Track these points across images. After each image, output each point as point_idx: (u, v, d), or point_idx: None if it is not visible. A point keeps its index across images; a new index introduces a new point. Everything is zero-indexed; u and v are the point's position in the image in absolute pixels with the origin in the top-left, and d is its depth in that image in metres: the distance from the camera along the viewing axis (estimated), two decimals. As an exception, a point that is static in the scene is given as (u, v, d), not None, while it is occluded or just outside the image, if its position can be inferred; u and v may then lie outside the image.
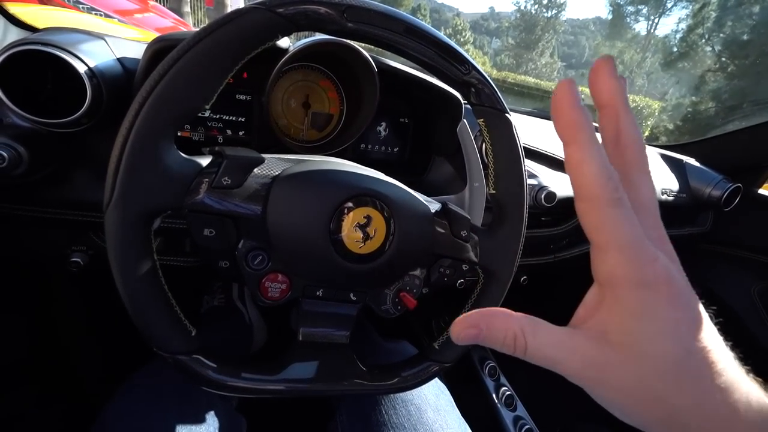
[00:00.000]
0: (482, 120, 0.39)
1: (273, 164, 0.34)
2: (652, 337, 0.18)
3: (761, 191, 0.99)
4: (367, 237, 0.34)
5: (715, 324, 0.20)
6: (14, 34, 0.54)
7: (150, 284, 0.29)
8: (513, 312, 0.21)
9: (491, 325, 0.21)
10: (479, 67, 0.37)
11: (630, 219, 0.19)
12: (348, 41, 0.53)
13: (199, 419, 0.44)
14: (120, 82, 0.45)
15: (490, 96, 0.37)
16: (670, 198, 0.88)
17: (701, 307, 0.20)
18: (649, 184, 0.21)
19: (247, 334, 0.82)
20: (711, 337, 0.19)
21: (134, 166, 0.27)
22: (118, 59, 0.46)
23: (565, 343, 0.20)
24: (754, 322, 0.94)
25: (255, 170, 0.32)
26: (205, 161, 0.31)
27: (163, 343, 0.30)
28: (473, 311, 0.21)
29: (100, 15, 1.52)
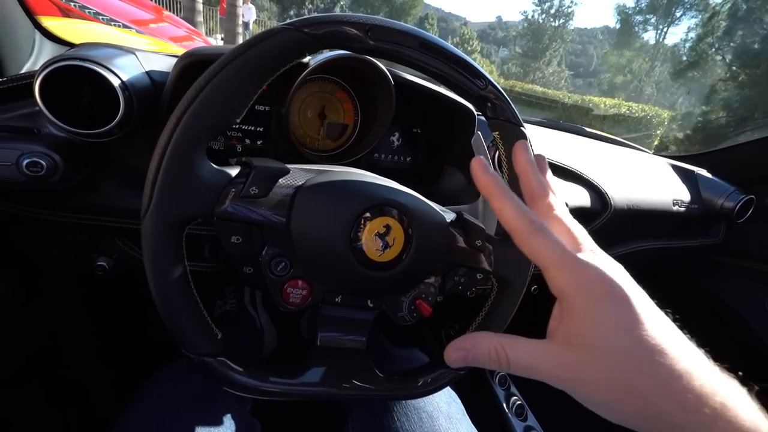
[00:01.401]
0: (497, 132, 0.40)
1: (297, 175, 0.35)
2: (602, 333, 0.21)
3: (775, 203, 0.98)
4: (386, 246, 0.35)
5: (674, 321, 0.22)
6: (48, 47, 0.57)
7: (182, 289, 0.30)
8: (493, 333, 0.25)
9: (476, 345, 0.25)
10: (495, 82, 0.38)
11: (553, 241, 0.23)
12: (366, 56, 0.55)
13: (217, 422, 0.45)
14: (149, 95, 0.47)
15: (505, 110, 0.38)
16: (682, 209, 0.88)
17: (646, 302, 0.22)
18: (566, 216, 0.27)
19: (257, 339, 0.83)
20: (661, 328, 0.21)
21: (171, 176, 0.28)
22: (147, 72, 0.48)
23: (539, 351, 0.23)
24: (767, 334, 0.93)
25: (280, 180, 0.34)
26: (234, 171, 0.32)
27: (192, 345, 0.31)
28: (461, 340, 0.26)
29: (119, 26, 1.57)
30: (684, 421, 0.19)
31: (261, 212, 0.32)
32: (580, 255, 0.23)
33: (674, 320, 0.22)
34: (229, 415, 0.47)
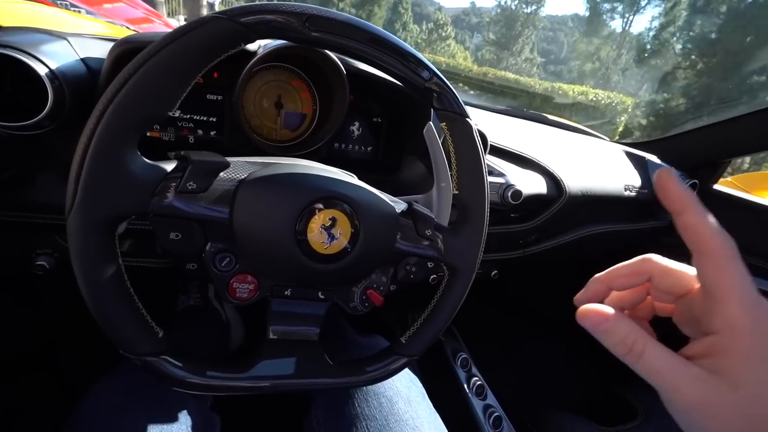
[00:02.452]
0: (444, 124, 0.41)
1: (239, 168, 0.35)
2: (764, 379, 0.20)
3: (716, 187, 1.05)
4: (332, 238, 0.35)
5: None
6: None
7: (114, 288, 0.29)
8: (636, 325, 0.23)
9: (617, 322, 0.23)
10: (440, 74, 0.38)
11: (745, 272, 0.22)
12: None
13: (171, 419, 0.44)
14: (84, 83, 0.44)
15: (451, 101, 0.39)
16: (633, 194, 0.93)
17: None
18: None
19: (224, 333, 0.82)
20: None
21: (96, 171, 0.27)
22: (82, 59, 0.45)
23: (677, 364, 0.22)
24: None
25: (221, 174, 0.33)
26: (170, 166, 0.31)
27: (129, 345, 0.30)
28: (610, 313, 0.23)
29: (64, 6, 1.46)
30: None
31: (201, 207, 0.32)
32: (757, 295, 0.22)
33: None
34: (185, 412, 0.47)
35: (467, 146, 0.41)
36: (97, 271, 0.28)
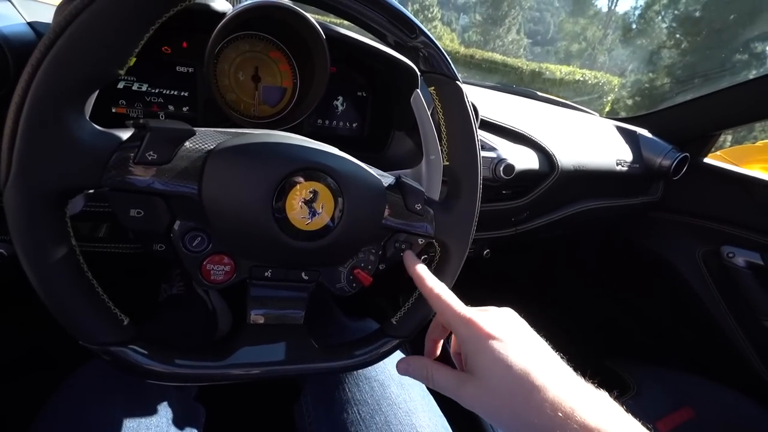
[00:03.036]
0: (433, 88, 0.38)
1: (207, 137, 0.31)
2: (485, 366, 0.29)
3: (706, 160, 1.05)
4: (313, 213, 0.32)
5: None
6: None
7: (66, 272, 0.26)
8: (427, 359, 0.35)
9: (412, 364, 0.35)
10: (428, 32, 0.35)
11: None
12: (291, 5, 0.49)
13: (149, 411, 0.42)
14: (32, 50, 0.39)
15: (439, 62, 0.36)
16: (624, 169, 0.91)
17: (517, 335, 0.30)
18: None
19: (211, 322, 0.79)
20: (526, 353, 0.28)
21: (33, 137, 0.23)
22: (29, 23, 0.41)
23: (452, 377, 0.31)
24: (698, 283, 1.01)
25: (186, 144, 0.30)
26: (125, 134, 0.28)
27: (88, 334, 0.27)
28: (408, 357, 0.36)
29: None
30: (543, 424, 0.25)
31: (164, 181, 0.28)
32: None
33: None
34: (165, 403, 0.44)
35: (458, 112, 0.38)
36: (42, 253, 0.25)
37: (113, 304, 0.29)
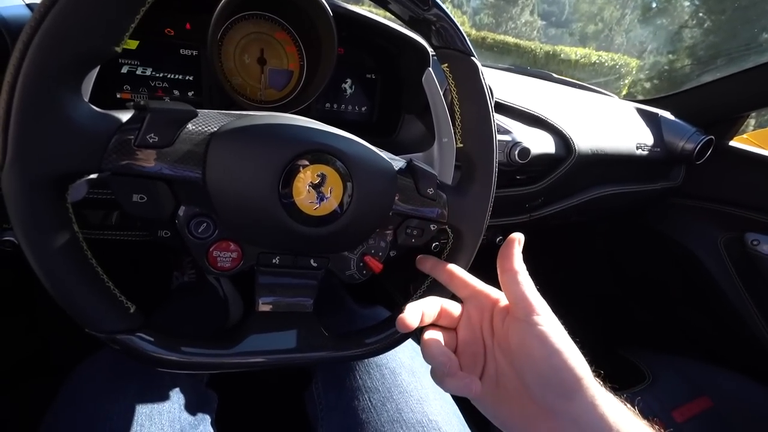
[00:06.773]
0: (446, 65, 0.35)
1: (210, 119, 0.30)
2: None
3: (732, 143, 1.00)
4: (322, 197, 0.31)
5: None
6: None
7: (69, 258, 0.25)
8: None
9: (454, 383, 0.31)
10: (441, 3, 0.33)
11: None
12: None
13: (162, 397, 0.42)
14: None
15: (453, 36, 0.34)
16: (645, 153, 0.88)
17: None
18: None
19: (222, 309, 0.80)
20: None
21: (27, 118, 0.22)
22: (28, 5, 0.40)
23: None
24: (719, 271, 0.97)
25: (188, 126, 0.28)
26: (125, 116, 0.27)
27: (94, 322, 0.27)
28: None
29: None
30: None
31: (166, 165, 0.27)
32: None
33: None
34: (177, 390, 0.44)
35: (473, 90, 0.36)
36: (45, 239, 0.24)
37: (121, 291, 0.28)
